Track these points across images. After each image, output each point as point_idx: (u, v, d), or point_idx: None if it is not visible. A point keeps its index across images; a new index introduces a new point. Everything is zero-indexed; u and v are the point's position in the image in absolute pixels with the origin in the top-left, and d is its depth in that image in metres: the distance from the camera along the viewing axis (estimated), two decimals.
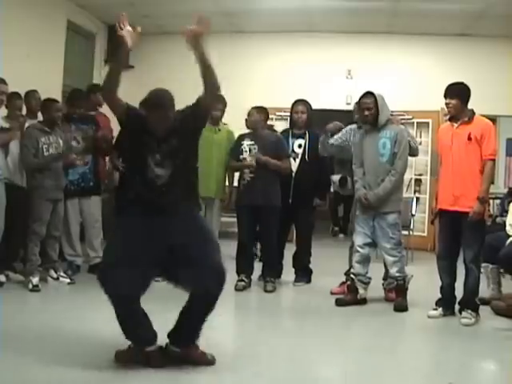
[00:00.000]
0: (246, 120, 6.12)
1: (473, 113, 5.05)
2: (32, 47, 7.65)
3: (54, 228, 5.71)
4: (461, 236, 4.99)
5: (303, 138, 6.22)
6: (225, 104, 6.30)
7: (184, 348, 3.70)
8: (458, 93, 5.03)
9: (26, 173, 5.62)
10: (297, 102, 6.34)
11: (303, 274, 6.28)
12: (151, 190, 3.68)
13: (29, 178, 5.61)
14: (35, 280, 5.40)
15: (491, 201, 8.94)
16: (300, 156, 6.20)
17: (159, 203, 3.66)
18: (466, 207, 4.89)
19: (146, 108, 3.82)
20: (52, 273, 5.79)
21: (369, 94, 5.42)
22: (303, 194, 6.13)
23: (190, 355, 3.69)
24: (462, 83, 5.11)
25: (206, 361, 3.71)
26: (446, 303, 5.13)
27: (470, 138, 4.93)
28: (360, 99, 5.49)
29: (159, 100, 3.79)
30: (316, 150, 6.10)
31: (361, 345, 4.47)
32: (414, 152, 5.70)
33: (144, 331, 3.70)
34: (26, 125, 5.70)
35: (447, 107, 5.11)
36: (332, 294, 5.80)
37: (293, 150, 6.20)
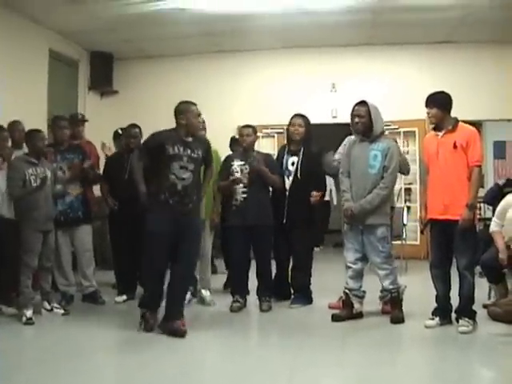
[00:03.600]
0: (242, 139, 6.06)
1: (456, 121, 5.07)
2: (14, 78, 7.66)
3: (45, 259, 5.65)
4: (453, 244, 4.99)
5: (297, 155, 6.11)
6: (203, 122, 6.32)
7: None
8: (437, 102, 5.07)
9: (15, 205, 5.56)
10: (295, 116, 6.23)
11: (301, 295, 6.11)
12: (173, 194, 4.97)
13: (18, 209, 5.55)
14: (29, 313, 5.32)
15: (482, 205, 8.97)
16: (293, 174, 6.10)
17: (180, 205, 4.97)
18: (457, 215, 4.90)
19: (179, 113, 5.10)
20: (46, 304, 5.73)
21: (362, 102, 5.41)
22: (297, 213, 6.01)
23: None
24: (442, 92, 5.15)
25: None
26: (443, 312, 5.13)
27: (455, 146, 4.95)
28: (353, 107, 5.45)
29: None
30: (310, 166, 6.04)
31: (359, 359, 4.44)
32: (403, 170, 5.74)
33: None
34: (12, 157, 5.68)
35: (428, 117, 5.16)
36: (330, 308, 5.77)
37: (286, 168, 6.11)
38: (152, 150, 5.11)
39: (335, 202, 9.43)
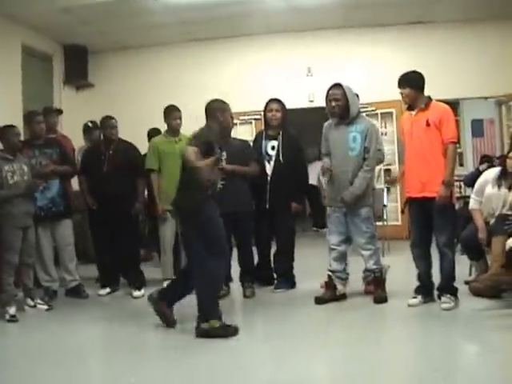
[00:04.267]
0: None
1: (429, 99, 5.09)
2: None
3: (26, 255, 5.60)
4: (432, 222, 5.03)
5: (277, 139, 6.10)
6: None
7: None
8: (409, 81, 5.10)
9: None
10: (270, 100, 6.22)
11: (284, 279, 6.15)
12: (214, 194, 4.72)
13: None
14: (12, 310, 5.29)
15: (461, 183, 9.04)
16: (274, 158, 6.08)
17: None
18: (434, 192, 4.93)
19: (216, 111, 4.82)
20: (29, 301, 5.70)
21: (337, 85, 5.40)
22: (281, 197, 6.00)
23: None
24: (413, 72, 5.18)
25: None
26: (425, 290, 5.17)
27: (428, 124, 4.98)
28: (328, 90, 5.44)
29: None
30: (291, 150, 6.04)
31: (345, 340, 4.46)
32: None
33: None
34: None
35: (402, 97, 5.17)
36: (322, 288, 5.72)
37: (266, 153, 6.09)
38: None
39: (325, 187, 9.43)
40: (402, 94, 5.15)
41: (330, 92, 5.41)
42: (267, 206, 6.04)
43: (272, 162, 6.09)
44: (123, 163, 6.19)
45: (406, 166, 5.24)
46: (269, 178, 6.06)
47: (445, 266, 5.00)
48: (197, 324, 4.53)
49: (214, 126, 4.81)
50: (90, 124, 7.25)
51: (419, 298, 5.15)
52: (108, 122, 6.33)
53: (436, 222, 5.00)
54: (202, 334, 4.48)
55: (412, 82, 5.09)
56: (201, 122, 6.85)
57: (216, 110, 4.85)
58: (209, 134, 4.74)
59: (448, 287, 5.03)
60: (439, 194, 4.88)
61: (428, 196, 4.98)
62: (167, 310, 4.82)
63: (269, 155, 6.10)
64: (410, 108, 5.17)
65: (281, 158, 6.05)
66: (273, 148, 6.11)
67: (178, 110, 6.24)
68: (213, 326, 4.46)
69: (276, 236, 6.29)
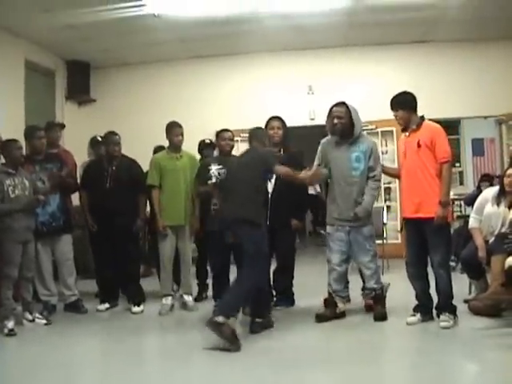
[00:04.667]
0: (224, 142, 6.07)
1: (422, 119, 5.10)
2: None
3: (26, 269, 5.60)
4: (427, 242, 5.03)
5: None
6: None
7: None
8: (401, 104, 5.12)
9: None
10: (272, 118, 6.22)
11: (284, 297, 6.13)
12: None
13: None
14: (10, 324, 5.28)
15: (462, 202, 9.05)
16: (275, 176, 6.06)
17: None
18: (428, 213, 4.92)
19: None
20: (27, 315, 5.68)
21: (341, 103, 5.40)
22: (281, 215, 5.98)
23: None
24: (404, 93, 5.20)
25: None
26: (423, 309, 5.15)
27: (419, 145, 4.98)
28: (331, 108, 5.44)
29: None
30: (292, 166, 6.01)
31: (344, 359, 4.44)
32: None
33: None
34: None
35: (396, 119, 5.19)
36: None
37: None
38: None
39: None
40: (396, 116, 5.16)
41: (334, 109, 5.41)
42: (267, 224, 6.03)
43: (273, 180, 6.08)
44: (126, 179, 6.20)
45: (402, 187, 5.27)
46: (269, 196, 6.06)
47: (441, 285, 5.01)
48: (213, 314, 4.65)
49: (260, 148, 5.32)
50: (98, 138, 7.22)
51: (418, 316, 5.13)
52: (111, 138, 6.33)
53: (430, 242, 4.99)
54: (212, 325, 4.57)
55: (404, 103, 5.11)
56: (203, 136, 6.98)
57: (263, 136, 5.46)
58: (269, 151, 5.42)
59: (446, 306, 5.02)
60: (437, 215, 4.88)
61: (421, 217, 4.98)
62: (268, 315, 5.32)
63: None
64: (405, 129, 5.19)
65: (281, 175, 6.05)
66: None
67: (180, 127, 6.23)
68: (227, 325, 4.56)
69: (276, 253, 6.25)
